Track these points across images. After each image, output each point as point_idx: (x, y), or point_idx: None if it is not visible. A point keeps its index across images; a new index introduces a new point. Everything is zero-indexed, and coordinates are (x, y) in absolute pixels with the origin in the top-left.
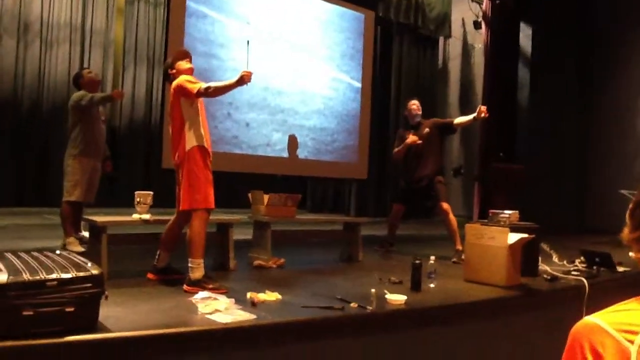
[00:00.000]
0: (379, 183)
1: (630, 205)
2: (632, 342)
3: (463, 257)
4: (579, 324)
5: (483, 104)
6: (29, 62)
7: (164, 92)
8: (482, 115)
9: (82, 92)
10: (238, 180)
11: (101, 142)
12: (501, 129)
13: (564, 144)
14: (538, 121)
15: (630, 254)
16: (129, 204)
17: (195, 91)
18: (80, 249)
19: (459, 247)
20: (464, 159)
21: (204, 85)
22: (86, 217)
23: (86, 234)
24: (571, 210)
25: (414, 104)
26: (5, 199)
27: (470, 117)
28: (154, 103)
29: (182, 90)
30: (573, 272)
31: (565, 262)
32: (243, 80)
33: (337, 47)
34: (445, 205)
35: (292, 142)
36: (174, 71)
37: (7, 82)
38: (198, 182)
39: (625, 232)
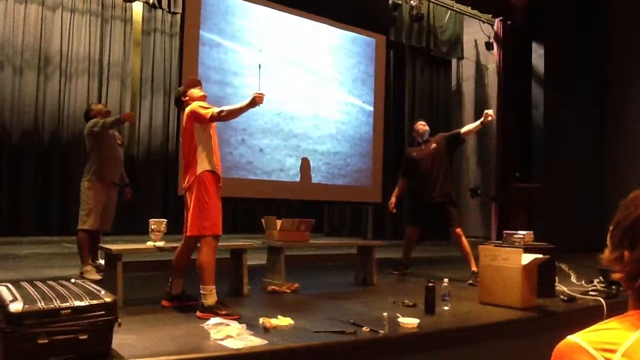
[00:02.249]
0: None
1: (610, 227)
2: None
3: (479, 278)
4: (561, 344)
5: (497, 124)
6: (49, 94)
7: (179, 120)
8: (489, 119)
9: (94, 120)
10: (255, 206)
11: (117, 167)
12: (517, 148)
13: (581, 161)
14: (554, 140)
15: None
16: (146, 231)
17: (208, 116)
18: (97, 276)
19: (475, 268)
20: (481, 179)
21: (216, 109)
22: (102, 245)
23: (103, 261)
24: (590, 229)
25: (420, 124)
26: (27, 228)
27: (477, 123)
28: (170, 131)
29: (195, 115)
30: (591, 292)
31: (583, 282)
32: (255, 102)
33: (349, 71)
34: (457, 230)
35: (305, 166)
36: (187, 98)
37: (28, 113)
38: (207, 208)
39: (606, 253)
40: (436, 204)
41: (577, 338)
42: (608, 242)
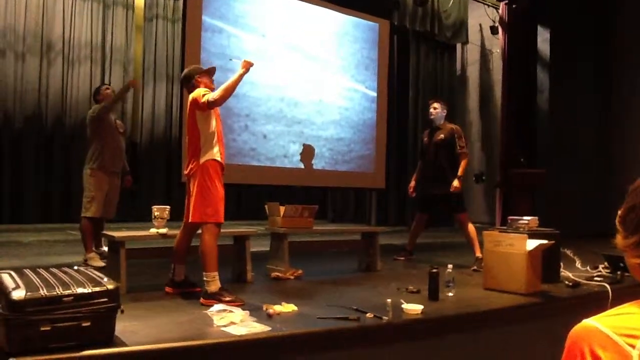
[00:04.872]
0: (400, 192)
1: (620, 212)
2: (633, 346)
3: (483, 264)
4: (578, 327)
5: (502, 109)
6: (52, 80)
7: (182, 107)
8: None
9: (97, 105)
10: (259, 192)
11: (119, 155)
12: (522, 134)
13: (586, 147)
14: (559, 125)
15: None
16: (149, 218)
17: (206, 104)
18: (101, 264)
19: (479, 254)
20: (486, 165)
21: (209, 95)
22: (105, 232)
23: (107, 248)
24: (595, 215)
25: (432, 107)
26: (31, 216)
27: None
28: (173, 118)
29: (196, 104)
30: (596, 278)
31: (588, 267)
32: (247, 66)
33: (352, 57)
34: (462, 216)
35: (309, 152)
36: (191, 84)
37: (31, 100)
38: (210, 196)
39: (619, 239)
40: (442, 191)
41: (596, 322)
42: (619, 227)
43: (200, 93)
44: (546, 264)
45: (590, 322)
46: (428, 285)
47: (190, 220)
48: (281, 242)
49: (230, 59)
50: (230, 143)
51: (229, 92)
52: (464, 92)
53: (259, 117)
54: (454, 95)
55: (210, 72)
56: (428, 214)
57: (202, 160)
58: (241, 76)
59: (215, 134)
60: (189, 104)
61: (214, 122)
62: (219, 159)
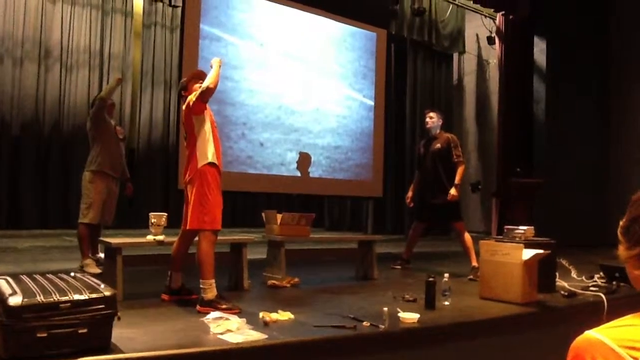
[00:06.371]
0: (396, 200)
1: (622, 223)
2: (636, 359)
3: (479, 274)
4: (580, 339)
5: (499, 119)
6: (49, 86)
7: (180, 113)
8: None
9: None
10: (256, 200)
11: (119, 160)
12: (518, 143)
13: (583, 157)
14: (556, 135)
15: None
16: (146, 225)
17: (199, 101)
18: (97, 270)
19: (475, 263)
20: (482, 174)
21: (198, 92)
22: (101, 238)
23: (103, 255)
24: (592, 225)
25: (428, 116)
26: (28, 222)
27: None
28: (171, 125)
29: (191, 108)
30: (592, 288)
31: (584, 277)
32: (218, 62)
33: (350, 65)
34: (458, 225)
35: (306, 160)
36: (187, 92)
37: (29, 105)
38: (208, 203)
39: (621, 250)
40: (440, 200)
41: (598, 334)
42: (621, 238)
43: (191, 96)
44: (542, 273)
45: (593, 334)
46: (425, 294)
47: (187, 227)
48: (278, 250)
49: None
50: (227, 151)
51: (215, 79)
52: (461, 102)
53: (256, 125)
54: (450, 105)
55: (195, 75)
56: (425, 222)
57: (199, 165)
58: (219, 67)
59: (211, 137)
60: (184, 112)
61: (208, 126)
62: (215, 161)
